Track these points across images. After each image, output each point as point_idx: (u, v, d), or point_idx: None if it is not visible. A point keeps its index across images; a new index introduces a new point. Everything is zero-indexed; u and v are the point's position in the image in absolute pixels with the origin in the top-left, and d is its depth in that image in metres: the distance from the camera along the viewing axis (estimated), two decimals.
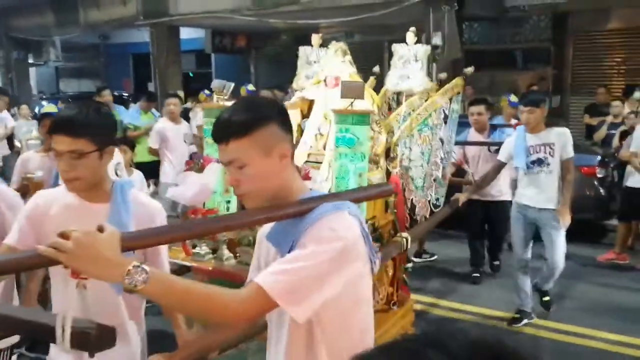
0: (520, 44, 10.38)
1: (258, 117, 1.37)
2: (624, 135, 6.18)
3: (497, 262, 5.43)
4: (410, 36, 3.42)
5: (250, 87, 7.12)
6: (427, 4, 8.14)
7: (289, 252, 1.31)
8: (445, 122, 3.46)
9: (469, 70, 3.57)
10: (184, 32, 12.13)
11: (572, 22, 9.75)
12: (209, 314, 1.30)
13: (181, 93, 11.78)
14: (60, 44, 14.57)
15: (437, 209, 3.55)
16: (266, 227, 1.49)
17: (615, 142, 6.45)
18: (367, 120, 2.73)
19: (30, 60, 14.98)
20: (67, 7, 12.53)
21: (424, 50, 3.40)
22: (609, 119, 7.18)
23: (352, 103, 2.71)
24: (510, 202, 4.89)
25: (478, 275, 5.26)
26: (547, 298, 4.39)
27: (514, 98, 5.91)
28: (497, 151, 4.73)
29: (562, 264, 4.11)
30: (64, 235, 1.20)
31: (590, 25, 9.68)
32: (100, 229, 1.23)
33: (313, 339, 1.34)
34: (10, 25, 13.73)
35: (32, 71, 16.22)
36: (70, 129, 1.71)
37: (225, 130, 1.36)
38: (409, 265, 5.21)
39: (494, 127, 5.34)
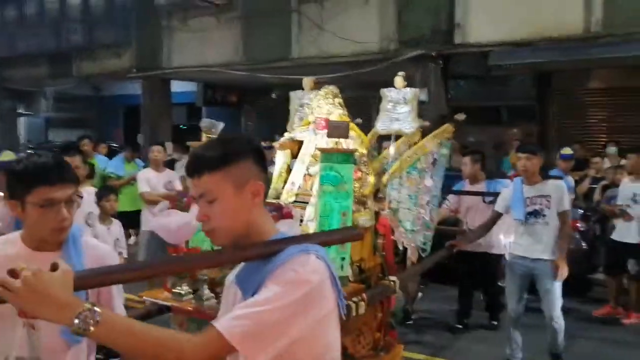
0: (506, 101, 10.68)
1: (232, 152, 1.36)
2: (605, 189, 6.29)
3: (494, 322, 5.26)
4: (399, 80, 3.48)
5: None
6: (414, 61, 8.39)
7: (252, 294, 1.27)
8: (434, 166, 3.48)
9: (460, 116, 3.63)
10: (176, 85, 12.34)
11: (555, 81, 10.09)
12: (164, 358, 1.20)
13: (170, 144, 11.84)
14: (53, 95, 14.72)
15: (425, 254, 3.50)
16: (235, 270, 1.45)
17: (597, 196, 6.56)
18: (351, 159, 2.75)
19: (20, 110, 15.07)
20: (61, 59, 12.74)
21: (412, 93, 3.46)
22: (591, 172, 7.33)
23: (336, 142, 2.75)
24: (499, 256, 4.93)
25: (459, 326, 5.18)
26: None
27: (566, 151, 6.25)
28: (491, 202, 4.77)
29: (560, 317, 4.10)
30: (13, 273, 1.14)
31: (573, 84, 10.02)
32: (54, 267, 1.18)
33: None
34: (2, 76, 13.89)
35: (23, 120, 16.27)
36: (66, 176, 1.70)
37: (199, 162, 1.36)
38: (409, 322, 5.19)
39: (490, 178, 5.38)
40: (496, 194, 4.72)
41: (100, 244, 1.97)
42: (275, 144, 3.25)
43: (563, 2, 7.45)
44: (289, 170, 3.17)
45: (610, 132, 9.56)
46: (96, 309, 1.15)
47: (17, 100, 14.73)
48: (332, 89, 3.22)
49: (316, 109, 3.13)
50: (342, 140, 2.88)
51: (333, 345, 1.37)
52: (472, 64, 9.06)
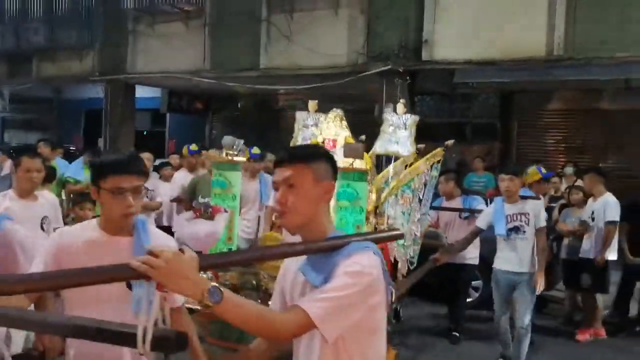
0: (470, 118, 10.86)
1: (318, 152, 1.73)
2: (562, 208, 6.44)
3: (456, 334, 5.36)
4: (400, 107, 3.83)
5: (193, 146, 7.01)
6: (381, 76, 8.45)
7: (323, 282, 1.55)
8: (425, 186, 3.83)
9: (450, 142, 3.99)
10: (140, 90, 12.09)
11: (517, 101, 10.33)
12: (263, 332, 1.53)
13: (131, 150, 11.53)
14: (10, 95, 14.21)
15: (412, 267, 3.82)
16: (293, 260, 1.72)
17: (555, 215, 6.70)
18: (366, 177, 3.14)
19: None
20: (21, 59, 12.35)
21: (412, 119, 3.79)
22: (550, 192, 7.49)
23: (352, 162, 3.13)
24: (472, 266, 5.33)
25: (457, 335, 5.36)
26: None
27: (545, 170, 6.28)
28: (467, 218, 5.20)
29: (529, 326, 4.50)
30: (153, 253, 1.35)
31: (533, 104, 10.28)
32: (182, 251, 1.39)
33: (339, 356, 1.58)
34: None
35: None
36: (138, 169, 1.98)
37: (291, 153, 1.69)
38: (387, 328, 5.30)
39: (466, 194, 5.68)
40: (471, 210, 5.11)
41: (162, 234, 2.20)
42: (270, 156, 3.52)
43: (528, 25, 7.65)
44: None
45: (568, 152, 9.83)
46: (219, 287, 1.39)
47: None
48: (339, 112, 3.55)
49: (325, 130, 3.45)
50: (357, 160, 3.25)
51: (381, 327, 1.66)
52: (438, 81, 9.20)
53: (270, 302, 1.84)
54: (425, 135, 4.33)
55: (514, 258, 4.50)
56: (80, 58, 11.58)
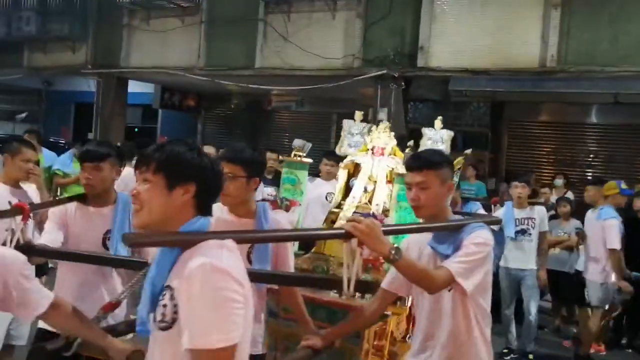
0: (461, 127, 10.89)
1: (444, 160, 2.23)
2: (552, 219, 6.48)
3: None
4: (438, 123, 4.13)
5: None
6: (375, 81, 8.48)
7: (454, 251, 2.06)
8: None
9: (469, 151, 4.33)
10: (132, 85, 11.99)
11: (508, 112, 10.41)
12: (423, 282, 2.04)
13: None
14: None
15: None
16: (415, 238, 2.28)
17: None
18: None
19: None
20: (10, 48, 12.16)
21: (447, 134, 4.13)
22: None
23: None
24: None
25: None
26: (531, 357, 5.22)
27: (624, 185, 6.06)
28: None
29: (536, 314, 5.22)
30: (356, 220, 1.81)
31: (524, 116, 10.37)
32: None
33: (467, 307, 2.14)
34: None
35: None
36: (231, 158, 2.35)
37: (423, 162, 2.18)
38: None
39: (466, 200, 5.98)
40: (471, 214, 5.26)
41: (281, 218, 2.66)
42: (341, 164, 3.95)
43: (522, 36, 7.73)
44: (347, 186, 3.82)
45: (558, 164, 9.92)
46: (399, 248, 1.90)
47: None
48: (387, 124, 3.90)
49: (376, 139, 3.76)
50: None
51: (490, 289, 2.22)
52: (432, 88, 9.25)
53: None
54: (416, 142, 4.39)
55: (521, 257, 5.18)
56: (72, 50, 11.47)
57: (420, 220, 2.30)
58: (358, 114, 4.20)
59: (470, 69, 7.99)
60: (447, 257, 2.06)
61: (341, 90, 8.69)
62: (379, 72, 8.37)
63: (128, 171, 3.87)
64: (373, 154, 3.75)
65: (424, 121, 11.04)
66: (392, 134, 3.89)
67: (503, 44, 7.77)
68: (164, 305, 1.40)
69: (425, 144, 4.20)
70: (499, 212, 5.41)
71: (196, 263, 1.35)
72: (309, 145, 3.61)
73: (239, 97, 12.69)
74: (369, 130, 3.91)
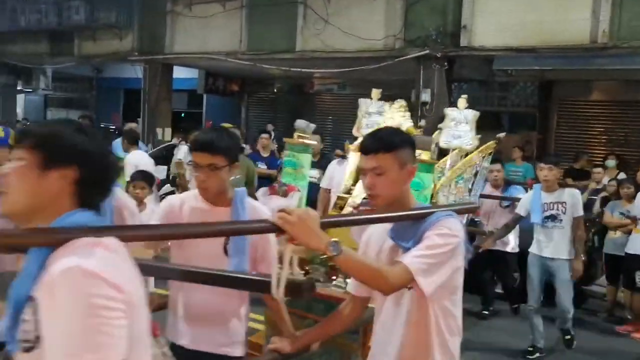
0: (507, 107, 10.63)
1: (402, 140, 1.84)
2: (605, 201, 6.27)
3: (515, 306, 5.64)
4: (462, 102, 4.00)
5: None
6: (418, 61, 8.35)
7: (414, 245, 1.72)
8: (475, 177, 4.00)
9: (502, 135, 4.19)
10: (178, 71, 12.24)
11: (557, 91, 10.06)
12: (373, 281, 1.69)
13: (169, 130, 11.71)
14: (52, 73, 14.57)
15: None
16: (375, 230, 1.95)
17: (597, 207, 6.52)
18: (432, 169, 3.33)
19: (19, 87, 14.91)
20: (63, 38, 12.61)
21: (472, 114, 3.95)
22: (592, 185, 7.30)
23: (419, 154, 3.23)
24: (513, 254, 5.50)
25: (486, 312, 5.67)
26: (568, 337, 4.80)
27: None
28: (507, 206, 5.35)
29: (571, 307, 4.68)
30: (286, 211, 1.51)
31: (574, 95, 9.99)
32: (307, 212, 1.56)
33: (427, 313, 1.76)
34: (3, 51, 13.75)
35: (21, 97, 16.11)
36: (209, 147, 2.14)
37: (377, 144, 1.80)
38: None
39: (508, 184, 5.79)
40: (513, 199, 5.25)
41: (260, 205, 2.42)
42: (352, 146, 3.70)
43: (570, 11, 7.41)
44: (358, 169, 3.77)
45: (609, 144, 9.55)
46: (339, 242, 1.56)
47: (16, 76, 14.56)
48: (403, 103, 3.68)
49: (389, 119, 3.57)
50: (421, 151, 3.42)
51: (459, 288, 1.83)
52: (476, 68, 9.02)
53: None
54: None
55: (550, 245, 4.61)
56: (120, 37, 11.78)
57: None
58: (375, 92, 3.94)
59: (515, 47, 7.74)
60: (408, 250, 1.73)
61: (383, 71, 8.60)
62: (421, 53, 8.23)
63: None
64: None
65: (469, 102, 10.83)
66: (407, 113, 3.71)
67: (550, 20, 7.47)
68: (26, 321, 1.10)
69: (448, 125, 4.06)
70: (525, 196, 4.90)
71: (60, 267, 1.07)
72: (313, 126, 3.52)
73: (281, 81, 12.76)
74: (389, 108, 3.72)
